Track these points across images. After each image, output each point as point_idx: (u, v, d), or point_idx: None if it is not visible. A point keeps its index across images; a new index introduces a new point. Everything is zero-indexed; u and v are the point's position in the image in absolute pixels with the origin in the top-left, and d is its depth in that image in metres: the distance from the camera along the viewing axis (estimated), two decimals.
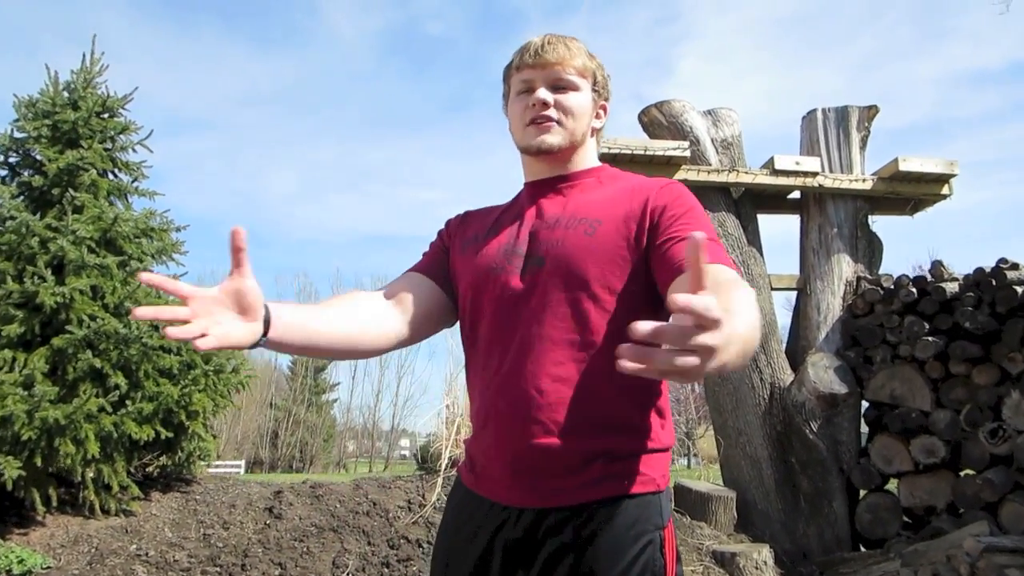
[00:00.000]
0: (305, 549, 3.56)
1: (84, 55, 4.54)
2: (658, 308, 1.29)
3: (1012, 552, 3.74)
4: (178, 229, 4.62)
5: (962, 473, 4.63)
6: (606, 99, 1.47)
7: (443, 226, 1.57)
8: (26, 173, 4.27)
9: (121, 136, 4.52)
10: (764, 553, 4.20)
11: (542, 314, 1.27)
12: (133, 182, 4.54)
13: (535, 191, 1.45)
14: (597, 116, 1.46)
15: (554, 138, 1.38)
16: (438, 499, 4.03)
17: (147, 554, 3.43)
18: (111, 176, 4.54)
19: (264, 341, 1.15)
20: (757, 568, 4.11)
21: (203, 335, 1.00)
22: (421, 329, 1.44)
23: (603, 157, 5.08)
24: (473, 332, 1.39)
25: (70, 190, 4.06)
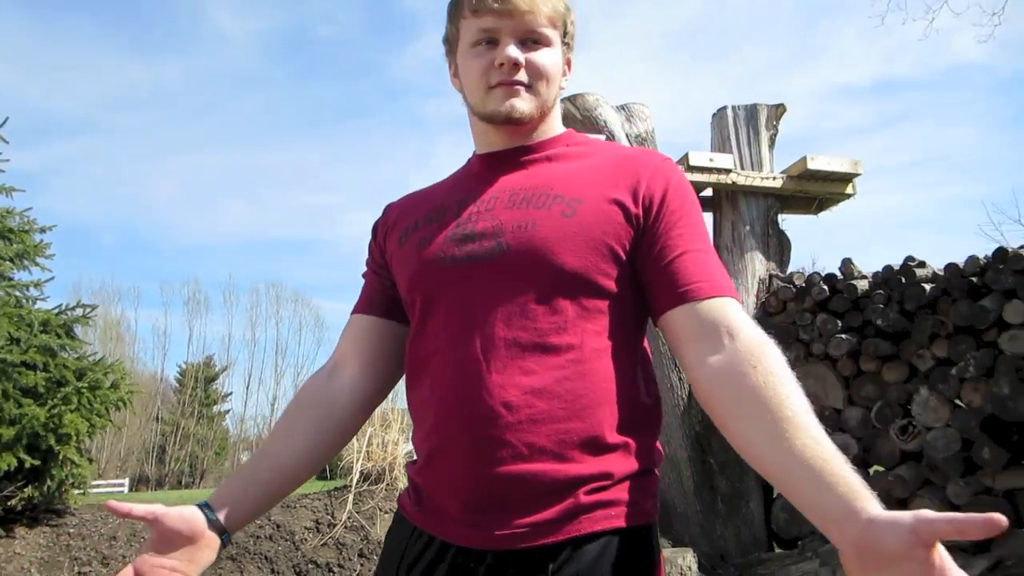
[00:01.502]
0: None
1: None
2: (643, 308, 1.12)
3: None
4: (43, 230, 4.09)
5: (872, 470, 4.71)
6: (570, 49, 1.23)
7: (371, 235, 1.31)
8: None
9: None
10: (688, 558, 4.12)
11: (507, 314, 1.04)
12: None
13: (492, 164, 1.20)
14: (565, 73, 1.22)
15: (525, 105, 1.13)
16: (349, 518, 3.71)
17: None
18: None
19: (228, 539, 1.08)
20: (682, 573, 4.01)
21: None
22: (390, 373, 1.26)
23: None
24: (419, 339, 1.13)
25: None
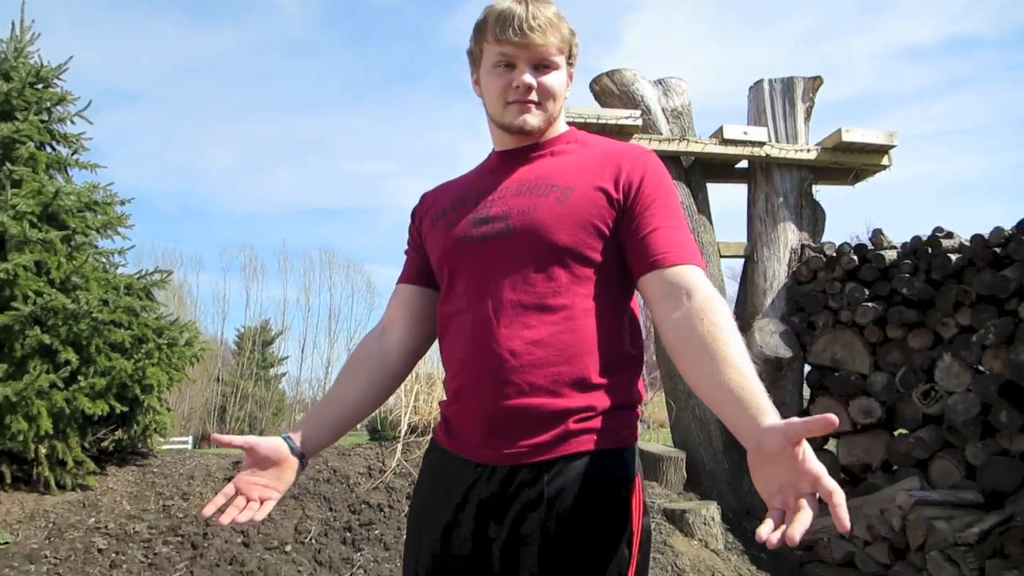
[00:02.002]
0: (267, 516, 3.59)
1: (13, 23, 4.35)
2: (626, 275, 1.35)
3: (940, 505, 3.99)
4: (122, 202, 4.50)
5: (896, 432, 4.88)
6: (574, 65, 1.46)
7: (410, 219, 1.59)
8: None
9: (58, 107, 4.36)
10: (712, 509, 4.39)
11: (513, 281, 1.30)
12: (73, 154, 4.39)
13: (507, 159, 1.46)
14: (568, 84, 1.47)
15: (535, 120, 1.39)
16: (398, 465, 4.09)
17: (106, 527, 3.41)
18: (49, 149, 4.38)
19: (305, 463, 1.36)
20: (705, 523, 4.29)
21: (254, 509, 1.27)
22: (430, 331, 1.53)
23: None
24: (446, 302, 1.41)
25: (7, 164, 3.92)
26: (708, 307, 1.21)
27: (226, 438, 1.30)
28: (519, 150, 1.45)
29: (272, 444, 1.32)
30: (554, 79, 1.38)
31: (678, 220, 1.34)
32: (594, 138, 1.49)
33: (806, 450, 0.98)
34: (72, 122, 4.39)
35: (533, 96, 1.37)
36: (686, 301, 1.23)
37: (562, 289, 1.29)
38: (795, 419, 0.98)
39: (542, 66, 1.37)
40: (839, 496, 0.93)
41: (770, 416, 1.03)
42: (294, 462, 1.33)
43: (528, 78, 1.36)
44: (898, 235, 5.15)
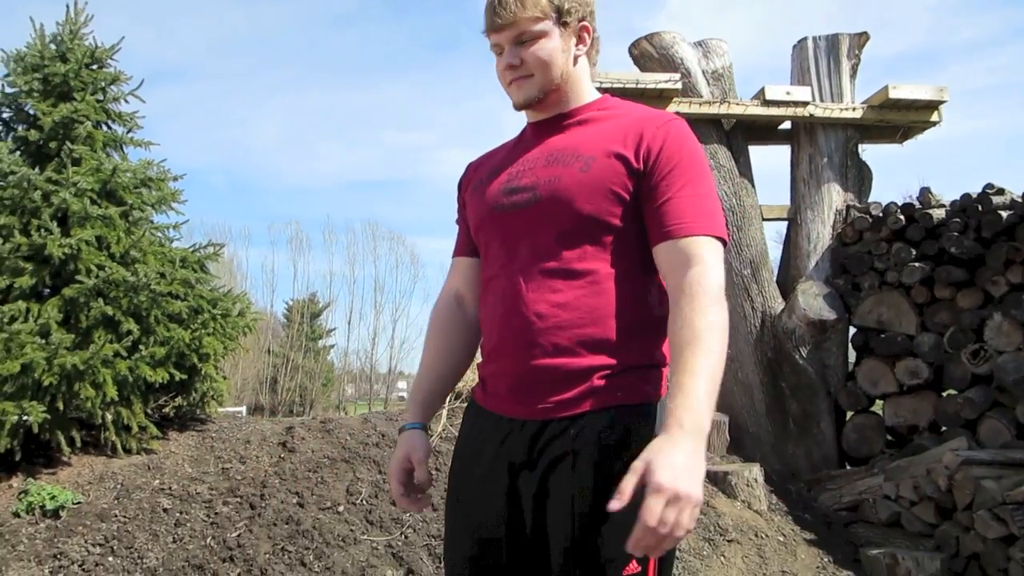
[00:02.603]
0: (320, 479, 3.74)
1: (68, 6, 4.49)
2: (646, 241, 1.39)
3: (988, 464, 3.95)
4: (175, 178, 4.66)
5: (944, 393, 4.82)
6: (582, 19, 1.45)
7: (457, 189, 1.68)
8: (20, 128, 4.28)
9: (112, 87, 4.51)
10: (755, 471, 4.42)
11: (540, 247, 1.38)
12: (128, 132, 4.55)
13: (538, 130, 1.52)
14: (580, 41, 1.47)
15: (529, 91, 1.44)
16: (443, 430, 4.20)
17: (170, 488, 3.60)
18: (105, 128, 4.55)
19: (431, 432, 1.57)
20: (748, 485, 4.33)
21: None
22: None
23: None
24: (484, 268, 1.50)
25: (67, 143, 4.08)
26: (694, 292, 1.26)
27: (417, 505, 1.54)
28: (549, 120, 1.50)
29: (424, 454, 1.50)
30: (538, 48, 1.41)
31: (695, 188, 1.36)
32: (627, 105, 1.51)
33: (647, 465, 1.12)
34: (126, 101, 4.55)
35: (522, 71, 1.42)
36: (680, 279, 1.29)
37: (587, 255, 1.36)
38: (637, 466, 1.11)
39: (524, 40, 1.41)
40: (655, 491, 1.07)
41: (668, 427, 1.15)
42: (426, 437, 1.54)
43: (509, 56, 1.42)
44: (955, 194, 5.01)
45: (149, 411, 4.06)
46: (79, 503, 3.39)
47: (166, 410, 4.14)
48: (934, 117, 5.63)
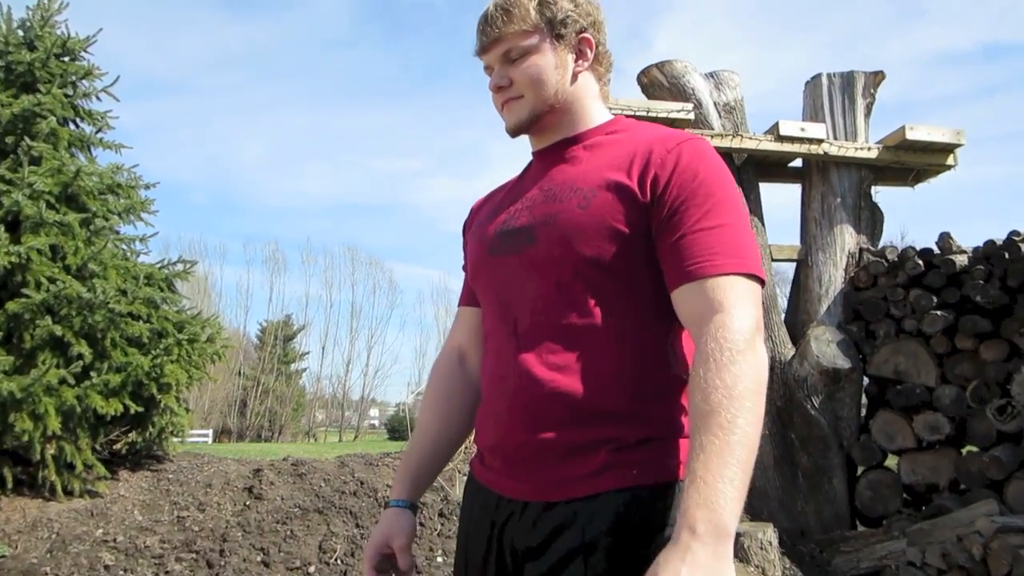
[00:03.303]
0: (289, 532, 3.31)
1: None
2: (661, 287, 1.16)
3: None
4: (147, 187, 4.26)
5: (965, 450, 4.53)
6: (581, 31, 1.28)
7: (462, 233, 1.50)
8: None
9: (83, 82, 4.11)
10: (769, 533, 4.05)
11: (535, 298, 1.19)
12: (97, 133, 4.15)
13: (540, 160, 1.33)
14: (581, 56, 1.29)
15: (520, 114, 1.27)
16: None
17: (115, 540, 3.14)
18: (72, 125, 4.14)
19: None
20: (762, 548, 3.96)
21: None
22: None
23: None
24: (484, 321, 1.33)
25: (26, 139, 3.68)
26: (712, 348, 1.02)
27: None
28: (551, 148, 1.31)
29: (408, 538, 1.29)
30: (528, 66, 1.25)
31: (717, 217, 1.11)
32: (639, 126, 1.29)
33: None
34: (98, 98, 4.15)
35: (512, 92, 1.27)
36: (697, 336, 1.07)
37: (590, 307, 1.16)
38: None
39: (513, 58, 1.26)
40: None
41: (673, 536, 0.93)
42: (412, 518, 1.33)
43: (497, 77, 1.28)
44: (929, 242, 4.80)
45: (98, 447, 3.60)
46: (3, 556, 2.92)
47: (117, 446, 3.67)
48: (949, 160, 5.43)
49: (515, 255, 1.22)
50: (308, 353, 40.06)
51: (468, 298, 1.44)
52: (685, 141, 1.18)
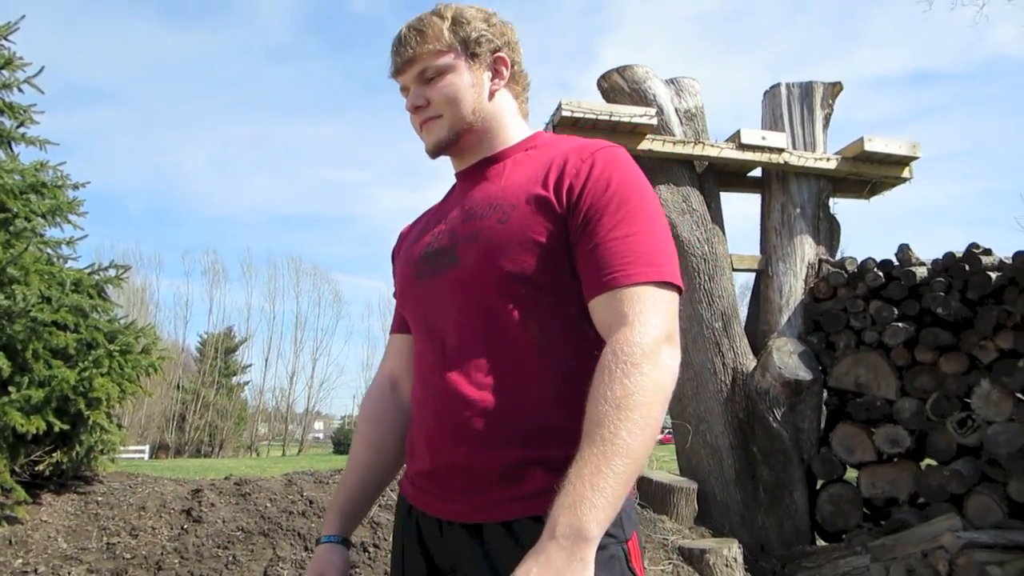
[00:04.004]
0: (231, 558, 3.05)
1: None
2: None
3: (991, 548, 3.61)
4: (75, 187, 3.94)
5: (924, 464, 4.52)
6: (496, 50, 1.29)
7: (391, 261, 1.49)
8: None
9: (4, 71, 3.79)
10: (734, 549, 3.95)
11: (461, 317, 1.18)
12: (19, 127, 3.81)
13: (463, 181, 1.33)
14: (497, 75, 1.29)
15: (439, 134, 1.27)
16: (383, 496, 3.58)
17: (36, 570, 2.83)
18: None
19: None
20: (727, 566, 3.85)
21: None
22: None
23: (565, 121, 4.69)
24: (414, 344, 1.32)
25: None
26: (608, 361, 1.03)
27: None
28: (472, 168, 1.31)
29: (340, 573, 1.26)
30: (444, 84, 1.25)
31: (631, 225, 1.11)
32: (560, 139, 1.30)
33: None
34: (20, 90, 3.82)
35: (429, 112, 1.26)
36: (604, 349, 1.06)
37: (516, 324, 1.14)
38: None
39: (429, 78, 1.26)
40: None
41: (551, 529, 0.94)
42: (346, 554, 1.31)
43: (413, 97, 1.28)
44: (863, 256, 4.85)
45: (17, 469, 3.27)
46: None
47: (40, 467, 3.35)
48: (905, 173, 5.48)
49: (440, 276, 1.21)
50: (251, 366, 39.18)
51: (399, 325, 1.43)
52: (600, 150, 1.18)
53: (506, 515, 1.09)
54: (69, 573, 2.86)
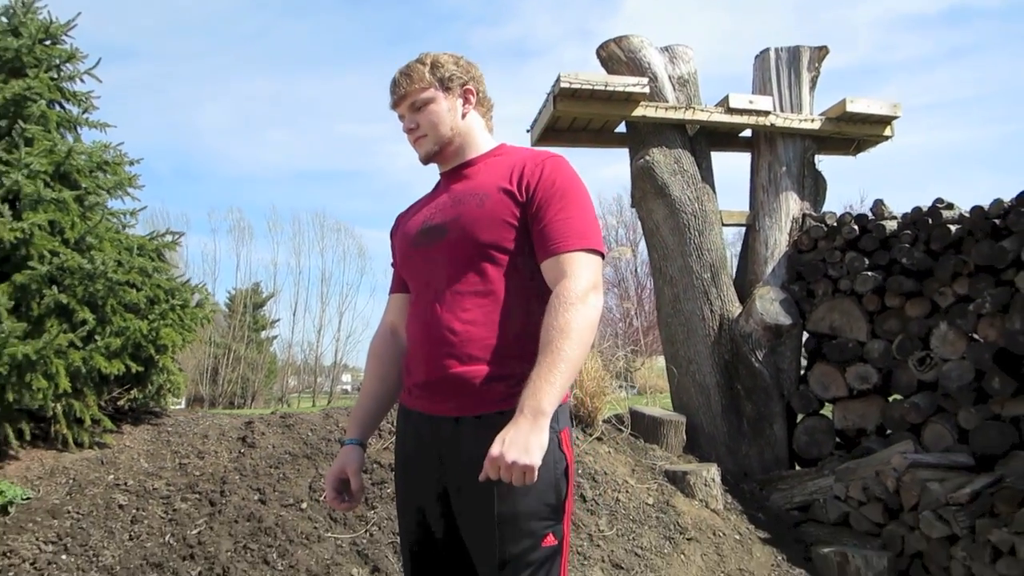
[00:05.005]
0: (281, 475, 3.67)
1: None
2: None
3: (934, 467, 4.12)
4: (132, 163, 4.49)
5: (891, 398, 5.00)
6: (464, 84, 1.79)
7: (389, 237, 1.96)
8: None
9: (67, 65, 4.32)
10: (712, 472, 4.51)
11: (451, 273, 1.65)
12: (83, 113, 4.36)
13: (446, 179, 1.83)
14: (467, 101, 1.79)
15: (428, 147, 1.78)
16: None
17: (126, 483, 3.48)
18: (59, 107, 4.35)
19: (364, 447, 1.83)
20: (706, 485, 4.41)
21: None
22: None
23: (564, 92, 5.14)
24: (411, 297, 1.81)
25: (19, 122, 3.91)
26: (554, 303, 1.54)
27: (344, 505, 1.77)
28: (453, 170, 1.81)
29: (358, 466, 1.77)
30: (428, 112, 1.75)
31: (568, 211, 1.63)
32: (516, 150, 1.81)
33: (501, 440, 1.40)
34: (81, 80, 4.36)
35: (419, 132, 1.77)
36: (552, 293, 1.57)
37: (489, 277, 1.63)
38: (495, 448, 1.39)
39: (417, 107, 1.76)
40: (488, 461, 1.38)
41: (522, 407, 1.42)
42: (362, 453, 1.81)
43: (407, 122, 1.79)
44: (895, 206, 5.21)
45: (103, 404, 3.91)
46: (28, 499, 3.26)
47: (120, 403, 3.99)
48: (887, 132, 5.85)
49: (435, 245, 1.69)
50: (278, 320, 39.98)
51: (397, 286, 1.91)
52: (548, 158, 1.70)
53: (480, 410, 1.57)
54: (152, 486, 3.50)
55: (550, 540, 1.55)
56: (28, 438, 3.56)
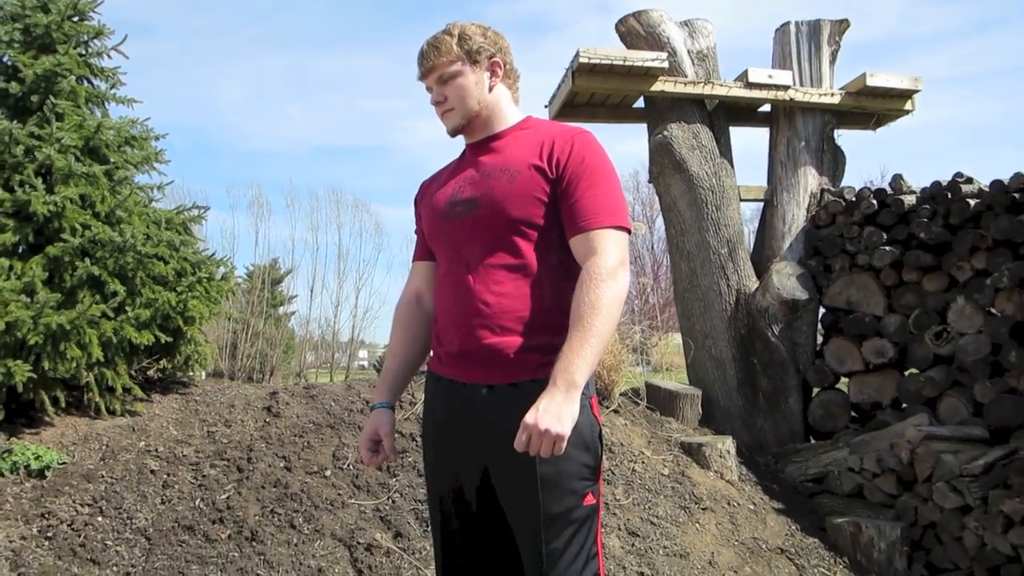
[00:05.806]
0: (306, 443, 3.78)
1: None
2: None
3: (947, 440, 4.16)
4: (157, 138, 4.58)
5: (907, 372, 5.03)
6: (492, 56, 1.78)
7: (414, 205, 1.99)
8: (0, 79, 4.16)
9: (95, 41, 4.40)
10: (727, 443, 4.57)
11: (482, 247, 1.68)
12: (111, 88, 4.45)
13: (472, 151, 1.83)
14: (494, 74, 1.79)
15: (455, 120, 1.78)
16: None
17: (156, 450, 3.60)
18: (88, 83, 4.44)
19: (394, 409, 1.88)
20: (721, 456, 4.48)
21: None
22: None
23: (583, 68, 5.15)
24: (438, 268, 1.84)
25: (50, 97, 4.00)
26: (585, 279, 1.58)
27: (376, 460, 1.84)
28: (481, 142, 1.81)
29: (391, 428, 1.83)
30: (456, 85, 1.75)
31: (598, 188, 1.66)
32: (543, 123, 1.82)
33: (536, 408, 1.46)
34: (108, 56, 4.44)
35: (447, 105, 1.77)
36: (584, 267, 1.61)
37: (520, 251, 1.66)
38: (530, 416, 1.45)
39: (444, 80, 1.75)
40: (522, 428, 1.43)
41: (554, 381, 1.48)
42: (392, 415, 1.86)
43: (434, 95, 1.78)
44: (917, 181, 5.19)
45: (133, 373, 4.03)
46: (64, 463, 3.39)
47: (150, 372, 4.11)
48: (907, 106, 5.80)
49: (465, 217, 1.70)
50: (296, 296, 40.17)
51: (422, 254, 1.93)
52: (578, 134, 1.71)
53: (515, 378, 1.62)
54: (182, 452, 3.62)
55: (590, 499, 1.61)
56: (63, 405, 3.69)
